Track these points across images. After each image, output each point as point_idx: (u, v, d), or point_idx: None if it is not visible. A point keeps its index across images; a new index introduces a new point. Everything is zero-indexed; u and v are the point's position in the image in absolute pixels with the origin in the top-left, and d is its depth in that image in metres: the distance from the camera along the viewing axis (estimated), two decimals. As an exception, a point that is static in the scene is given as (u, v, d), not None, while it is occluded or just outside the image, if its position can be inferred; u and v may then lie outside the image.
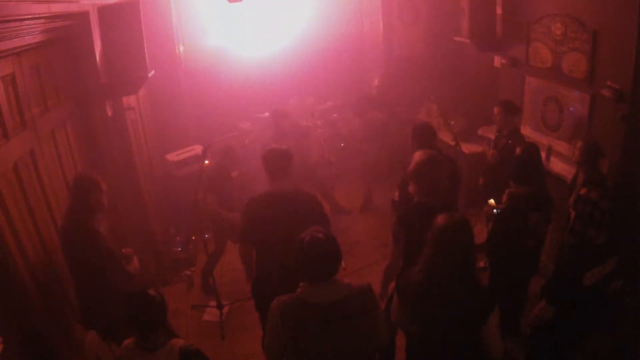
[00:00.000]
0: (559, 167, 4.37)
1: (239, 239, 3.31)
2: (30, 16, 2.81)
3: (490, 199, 3.99)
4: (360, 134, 6.12)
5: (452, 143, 5.07)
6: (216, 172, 4.52)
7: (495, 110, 4.49)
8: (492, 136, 5.00)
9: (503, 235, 3.38)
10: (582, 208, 2.81)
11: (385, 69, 6.72)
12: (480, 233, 3.93)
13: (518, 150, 3.91)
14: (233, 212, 4.39)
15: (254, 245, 3.21)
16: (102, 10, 4.02)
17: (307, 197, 3.15)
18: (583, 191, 2.84)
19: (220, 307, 4.30)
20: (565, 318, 2.83)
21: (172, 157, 5.70)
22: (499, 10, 5.04)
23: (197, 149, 5.65)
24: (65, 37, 3.66)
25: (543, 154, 4.16)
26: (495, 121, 4.56)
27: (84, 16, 3.77)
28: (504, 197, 3.50)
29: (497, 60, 5.39)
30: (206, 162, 4.50)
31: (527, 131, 4.88)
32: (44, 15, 3.02)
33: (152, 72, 4.47)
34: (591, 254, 2.75)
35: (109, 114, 4.27)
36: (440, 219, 2.26)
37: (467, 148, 5.36)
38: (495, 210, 3.74)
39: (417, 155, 2.96)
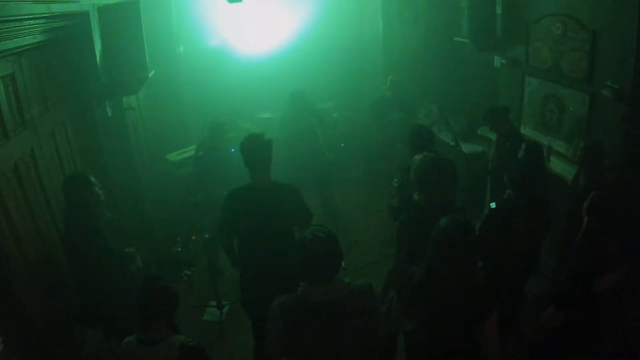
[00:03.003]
0: (559, 167, 4.37)
1: (218, 229, 3.25)
2: (30, 16, 2.81)
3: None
4: (382, 137, 5.93)
5: (452, 143, 5.07)
6: (206, 160, 4.51)
7: None
8: (492, 137, 5.01)
9: (492, 238, 3.33)
10: (594, 214, 2.77)
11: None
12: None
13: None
14: None
15: (232, 236, 3.20)
16: (102, 10, 4.03)
17: (288, 189, 3.10)
18: (596, 197, 2.80)
19: (220, 307, 4.30)
20: (574, 323, 2.81)
21: (172, 157, 5.70)
22: (499, 10, 5.04)
23: (197, 149, 5.65)
24: (65, 37, 3.66)
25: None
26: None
27: (84, 16, 3.77)
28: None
29: (497, 60, 5.39)
30: None
31: (527, 131, 4.88)
32: (44, 15, 3.02)
33: (152, 72, 4.47)
34: (602, 261, 2.71)
35: (109, 114, 4.27)
36: (444, 220, 2.25)
37: (467, 148, 5.36)
38: None
39: (420, 160, 2.89)
